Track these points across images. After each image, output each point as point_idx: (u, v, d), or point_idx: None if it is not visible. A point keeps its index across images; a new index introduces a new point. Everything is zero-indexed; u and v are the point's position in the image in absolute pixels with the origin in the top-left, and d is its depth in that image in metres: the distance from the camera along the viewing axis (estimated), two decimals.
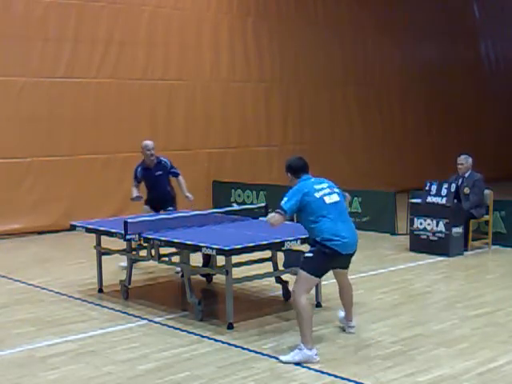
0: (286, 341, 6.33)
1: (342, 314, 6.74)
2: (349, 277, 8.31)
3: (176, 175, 9.81)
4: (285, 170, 6.40)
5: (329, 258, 5.99)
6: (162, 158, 9.73)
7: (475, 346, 6.15)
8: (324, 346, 6.19)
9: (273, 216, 6.01)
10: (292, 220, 7.34)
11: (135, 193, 9.62)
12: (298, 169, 6.31)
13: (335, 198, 6.16)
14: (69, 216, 11.36)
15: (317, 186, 6.15)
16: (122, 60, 13.72)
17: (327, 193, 6.14)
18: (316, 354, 5.85)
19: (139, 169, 9.68)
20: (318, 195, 6.07)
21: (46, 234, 12.52)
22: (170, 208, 9.59)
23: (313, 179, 6.27)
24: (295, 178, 6.29)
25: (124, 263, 9.17)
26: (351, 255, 6.21)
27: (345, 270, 6.45)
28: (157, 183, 9.63)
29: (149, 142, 9.62)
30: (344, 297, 6.62)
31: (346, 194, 6.58)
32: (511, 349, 6.07)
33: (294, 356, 5.83)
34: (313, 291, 7.47)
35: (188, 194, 9.71)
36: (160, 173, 9.65)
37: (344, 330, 6.62)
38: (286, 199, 6.05)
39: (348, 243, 6.03)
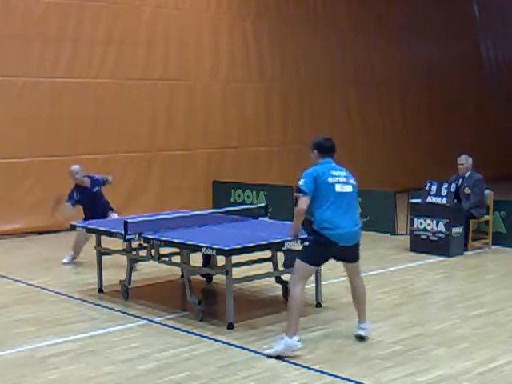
0: None
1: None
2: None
3: (108, 182, 10.22)
4: (309, 147, 6.32)
5: (323, 247, 5.98)
6: (91, 175, 10.03)
7: (475, 345, 6.15)
8: (324, 346, 6.18)
9: (299, 203, 6.00)
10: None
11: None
12: (326, 148, 6.28)
13: (348, 188, 6.13)
14: None
15: (334, 172, 6.15)
16: (122, 60, 13.73)
17: (341, 181, 6.12)
18: (298, 341, 5.85)
19: (75, 193, 9.79)
20: (330, 180, 6.06)
21: (46, 233, 12.52)
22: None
23: (333, 164, 6.25)
24: (320, 156, 6.24)
25: (66, 259, 9.79)
26: (352, 248, 6.11)
27: (352, 263, 6.25)
28: (96, 199, 9.89)
29: (76, 167, 9.94)
30: (354, 297, 6.38)
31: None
32: (511, 349, 6.07)
33: (277, 346, 5.86)
34: (313, 291, 7.49)
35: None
36: (98, 188, 9.98)
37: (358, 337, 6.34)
38: (302, 180, 6.05)
39: (345, 235, 5.98)
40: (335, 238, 5.95)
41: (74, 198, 9.76)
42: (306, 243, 6.10)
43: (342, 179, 6.14)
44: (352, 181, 6.23)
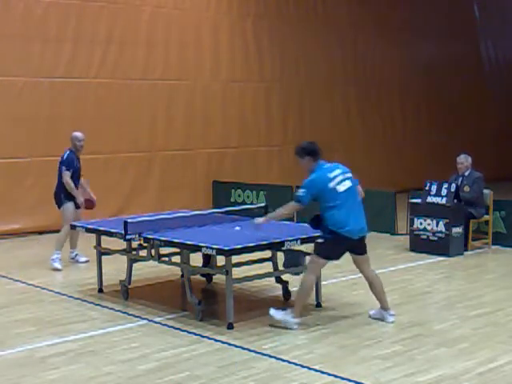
0: (286, 341, 6.33)
1: (371, 311, 6.99)
2: (350, 276, 8.30)
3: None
4: (298, 154, 6.66)
5: (340, 243, 6.52)
6: None
7: (475, 345, 6.15)
8: (324, 345, 6.19)
9: (289, 208, 6.62)
10: (292, 220, 7.41)
11: (80, 196, 9.64)
12: (315, 151, 6.65)
13: (347, 184, 6.55)
14: None
15: (330, 175, 6.53)
16: (122, 60, 13.73)
17: (340, 180, 6.52)
18: (296, 324, 6.56)
19: (76, 159, 9.71)
20: (331, 185, 6.45)
21: (46, 233, 12.52)
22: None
23: (327, 165, 6.63)
24: (313, 160, 6.60)
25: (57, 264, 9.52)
26: (363, 239, 6.65)
27: (362, 256, 6.75)
28: (78, 175, 9.79)
29: (81, 134, 9.84)
30: (373, 287, 6.86)
31: (360, 190, 6.88)
32: (511, 349, 6.07)
33: (281, 316, 6.63)
34: (313, 291, 7.49)
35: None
36: (79, 166, 9.85)
37: (383, 321, 6.79)
38: (303, 190, 6.47)
39: (357, 228, 6.54)
40: (351, 233, 6.50)
41: (75, 166, 9.63)
42: (322, 240, 6.57)
43: (339, 178, 6.55)
44: (348, 174, 6.67)
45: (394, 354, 5.94)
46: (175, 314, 7.27)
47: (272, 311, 6.69)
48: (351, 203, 6.54)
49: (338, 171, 6.61)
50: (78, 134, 9.84)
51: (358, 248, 6.71)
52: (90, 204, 9.76)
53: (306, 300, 6.72)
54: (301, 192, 6.53)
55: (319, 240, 6.62)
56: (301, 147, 6.69)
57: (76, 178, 9.70)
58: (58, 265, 9.58)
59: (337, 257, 6.72)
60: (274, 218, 6.81)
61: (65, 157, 9.67)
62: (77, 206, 9.68)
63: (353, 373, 5.51)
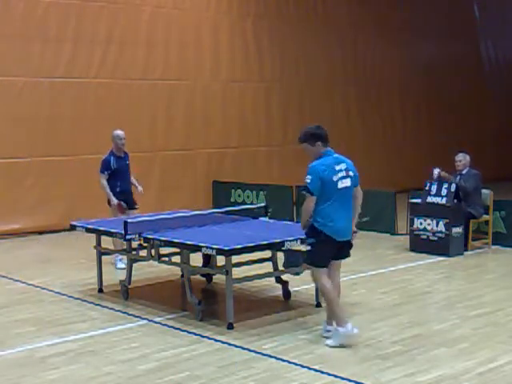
0: (286, 341, 6.33)
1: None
2: (350, 276, 8.28)
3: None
4: (307, 140, 6.29)
5: (325, 245, 6.12)
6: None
7: (475, 345, 6.15)
8: (324, 346, 6.18)
9: (307, 203, 6.08)
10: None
11: (115, 199, 9.46)
12: (326, 137, 6.32)
13: (346, 183, 6.19)
14: (69, 216, 11.34)
15: (336, 167, 6.17)
16: (122, 60, 13.73)
17: (342, 176, 6.16)
18: (352, 329, 6.09)
19: (112, 158, 9.61)
20: (335, 178, 6.11)
21: (46, 234, 12.53)
22: (137, 206, 9.76)
23: (335, 155, 6.28)
24: (324, 146, 6.25)
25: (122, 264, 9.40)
26: (347, 243, 6.26)
27: (339, 260, 6.36)
28: (128, 173, 9.78)
29: (122, 132, 9.74)
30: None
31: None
32: (511, 349, 6.07)
33: (335, 339, 6.11)
34: (313, 291, 7.50)
35: (140, 187, 9.89)
36: (128, 162, 9.82)
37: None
38: (310, 179, 6.05)
39: (342, 230, 6.15)
40: (334, 234, 6.10)
41: (112, 167, 9.51)
42: (309, 247, 6.22)
43: (343, 173, 6.19)
44: (351, 172, 6.27)
45: (393, 354, 5.93)
46: (175, 314, 7.27)
47: (328, 342, 6.16)
48: (344, 203, 6.15)
49: (343, 166, 6.21)
50: (119, 132, 9.73)
51: (344, 251, 6.30)
52: (121, 209, 9.54)
53: (334, 304, 6.17)
54: (308, 179, 6.04)
55: (307, 247, 6.27)
56: (310, 133, 6.33)
57: (120, 177, 9.59)
58: (121, 264, 9.39)
59: (324, 262, 6.21)
60: (305, 225, 6.21)
61: (102, 159, 9.64)
62: (129, 207, 9.62)
63: (353, 373, 5.51)
